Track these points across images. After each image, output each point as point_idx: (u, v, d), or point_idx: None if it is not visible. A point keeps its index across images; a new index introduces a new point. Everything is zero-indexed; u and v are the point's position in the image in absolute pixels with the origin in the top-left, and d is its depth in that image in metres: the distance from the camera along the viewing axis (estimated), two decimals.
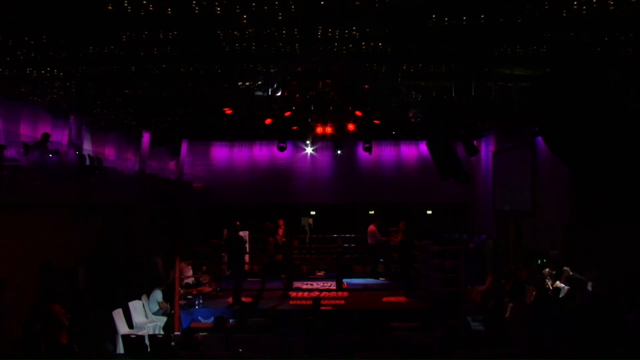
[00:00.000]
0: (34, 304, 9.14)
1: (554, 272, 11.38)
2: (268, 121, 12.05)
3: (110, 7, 7.50)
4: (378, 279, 14.25)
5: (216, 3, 7.43)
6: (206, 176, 20.80)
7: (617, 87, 6.90)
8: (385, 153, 20.84)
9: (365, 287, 13.10)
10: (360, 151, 19.62)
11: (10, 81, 11.08)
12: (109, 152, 16.97)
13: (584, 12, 7.59)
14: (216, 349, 7.74)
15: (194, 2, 7.40)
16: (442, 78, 11.27)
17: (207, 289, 12.42)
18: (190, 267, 12.41)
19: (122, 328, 9.76)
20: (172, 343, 7.83)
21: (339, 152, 17.81)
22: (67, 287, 12.28)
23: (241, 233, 14.15)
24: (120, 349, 8.93)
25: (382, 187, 20.71)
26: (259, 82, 9.52)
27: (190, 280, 12.24)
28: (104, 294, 13.29)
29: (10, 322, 9.19)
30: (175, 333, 9.59)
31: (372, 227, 15.04)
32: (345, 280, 12.73)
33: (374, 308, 10.66)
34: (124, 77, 11.07)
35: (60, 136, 13.61)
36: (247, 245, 13.65)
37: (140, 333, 9.39)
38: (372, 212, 21.01)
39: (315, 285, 13.22)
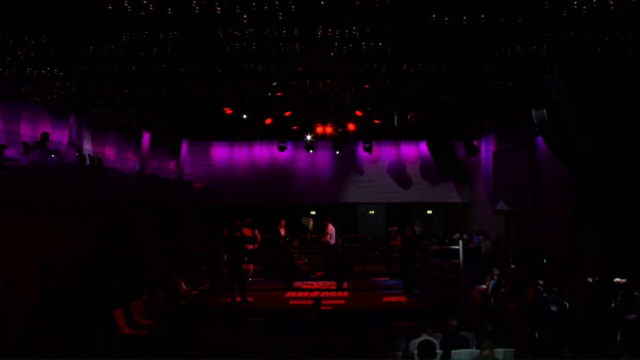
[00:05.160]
0: (34, 305, 9.14)
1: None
2: (268, 121, 12.06)
3: (110, 7, 7.50)
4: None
5: (216, 3, 7.43)
6: (206, 176, 20.80)
7: (617, 88, 6.92)
8: (385, 153, 20.83)
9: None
10: (360, 151, 19.63)
11: (10, 81, 11.08)
12: (109, 152, 16.97)
13: (584, 12, 7.58)
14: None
15: (194, 2, 7.39)
16: (442, 78, 11.27)
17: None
18: (186, 280, 12.38)
19: (123, 328, 9.77)
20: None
21: (337, 152, 17.80)
22: (64, 287, 12.27)
23: (248, 231, 14.20)
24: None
25: (381, 187, 20.70)
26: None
27: (185, 293, 12.17)
28: (104, 294, 13.29)
29: (17, 322, 9.22)
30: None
31: (331, 227, 14.96)
32: None
33: (374, 308, 10.67)
34: (124, 77, 11.07)
35: (60, 136, 13.61)
36: (256, 245, 13.71)
37: (140, 333, 9.41)
38: (372, 212, 21.03)
39: (315, 285, 13.22)
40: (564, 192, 13.45)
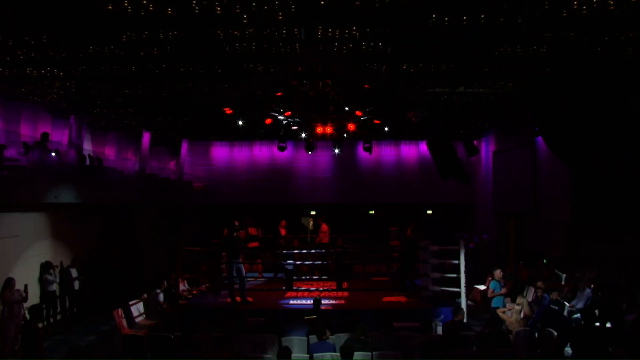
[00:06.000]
0: (34, 305, 9.14)
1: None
2: (268, 121, 12.04)
3: (110, 7, 7.51)
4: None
5: (216, 3, 7.44)
6: (206, 176, 20.81)
7: (617, 88, 6.90)
8: (385, 153, 20.84)
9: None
10: (360, 151, 19.62)
11: (10, 81, 11.08)
12: (109, 152, 16.97)
13: (584, 12, 7.59)
14: (216, 348, 7.73)
15: (194, 2, 7.40)
16: (442, 78, 11.27)
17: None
18: (185, 280, 12.40)
19: (123, 328, 9.77)
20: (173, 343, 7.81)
21: (336, 151, 17.75)
22: (64, 287, 12.29)
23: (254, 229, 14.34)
24: None
25: (382, 187, 20.71)
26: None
27: (185, 293, 12.16)
28: (104, 293, 13.31)
29: (17, 320, 9.23)
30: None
31: (325, 226, 15.10)
32: None
33: (374, 308, 10.66)
34: (124, 77, 11.07)
35: (60, 136, 13.61)
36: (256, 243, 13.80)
37: (140, 333, 9.41)
38: (372, 212, 21.03)
39: (315, 285, 13.21)
40: (564, 192, 13.45)
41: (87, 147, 15.24)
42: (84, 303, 13.00)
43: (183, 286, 12.07)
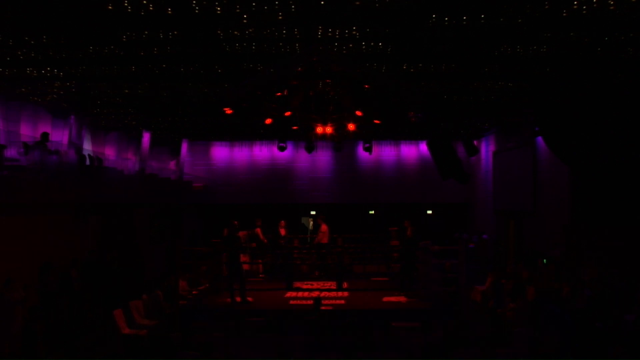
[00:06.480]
0: (34, 304, 9.15)
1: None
2: (268, 121, 12.04)
3: (110, 7, 7.51)
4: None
5: (216, 3, 7.44)
6: (206, 176, 20.81)
7: (617, 88, 6.91)
8: (385, 153, 20.84)
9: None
10: (360, 151, 19.62)
11: (10, 81, 11.08)
12: (109, 152, 16.97)
13: (584, 12, 7.59)
14: (216, 348, 7.73)
15: (194, 2, 7.40)
16: (442, 78, 11.27)
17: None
18: (185, 281, 12.40)
19: (123, 328, 9.77)
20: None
21: (337, 152, 17.80)
22: (64, 287, 12.27)
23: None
24: None
25: (382, 187, 20.71)
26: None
27: (185, 293, 12.15)
28: (104, 294, 13.29)
29: (17, 320, 9.22)
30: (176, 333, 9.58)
31: (325, 226, 15.04)
32: None
33: (374, 308, 10.66)
34: (124, 77, 11.07)
35: (60, 136, 13.61)
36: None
37: (140, 333, 9.42)
38: (372, 212, 21.03)
39: (315, 285, 13.20)
40: (564, 192, 13.45)
41: (87, 147, 15.25)
42: (84, 303, 12.99)
43: (183, 286, 12.05)
